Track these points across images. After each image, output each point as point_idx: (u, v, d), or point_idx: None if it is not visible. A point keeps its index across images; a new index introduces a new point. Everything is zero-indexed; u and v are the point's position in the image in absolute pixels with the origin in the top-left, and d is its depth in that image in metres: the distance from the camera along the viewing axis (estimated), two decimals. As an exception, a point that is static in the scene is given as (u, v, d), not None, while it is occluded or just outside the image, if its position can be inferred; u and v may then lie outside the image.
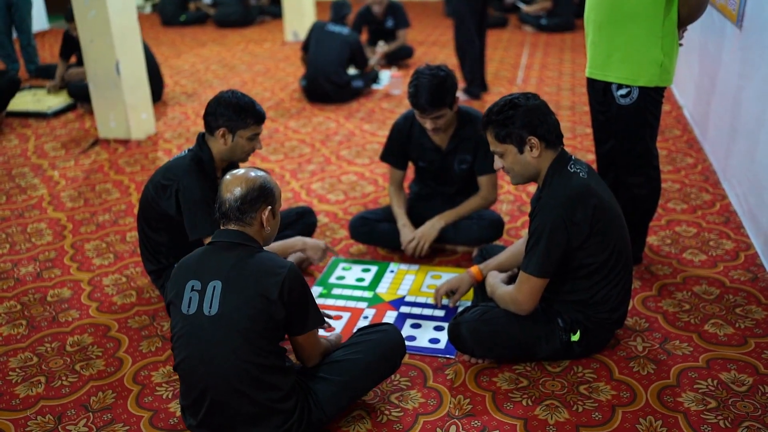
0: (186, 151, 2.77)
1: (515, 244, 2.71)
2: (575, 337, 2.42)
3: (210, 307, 1.97)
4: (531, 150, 2.33)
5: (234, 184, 2.05)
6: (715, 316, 2.71)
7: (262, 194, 2.06)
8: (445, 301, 2.83)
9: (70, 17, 5.52)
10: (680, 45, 2.88)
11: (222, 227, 2.08)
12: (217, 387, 1.98)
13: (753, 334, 2.59)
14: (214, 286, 1.98)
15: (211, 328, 1.97)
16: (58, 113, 5.71)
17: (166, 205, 2.69)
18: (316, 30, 5.88)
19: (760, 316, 2.69)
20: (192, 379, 2.02)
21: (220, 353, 1.96)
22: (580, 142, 4.68)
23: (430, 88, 2.96)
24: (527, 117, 2.29)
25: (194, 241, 2.65)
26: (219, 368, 1.96)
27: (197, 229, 2.64)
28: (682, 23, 2.76)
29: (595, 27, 2.85)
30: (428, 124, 3.05)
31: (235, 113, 2.65)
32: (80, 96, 5.58)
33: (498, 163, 2.43)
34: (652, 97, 2.81)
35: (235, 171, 2.10)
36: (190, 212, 2.64)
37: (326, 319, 2.43)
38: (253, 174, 2.08)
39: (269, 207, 2.08)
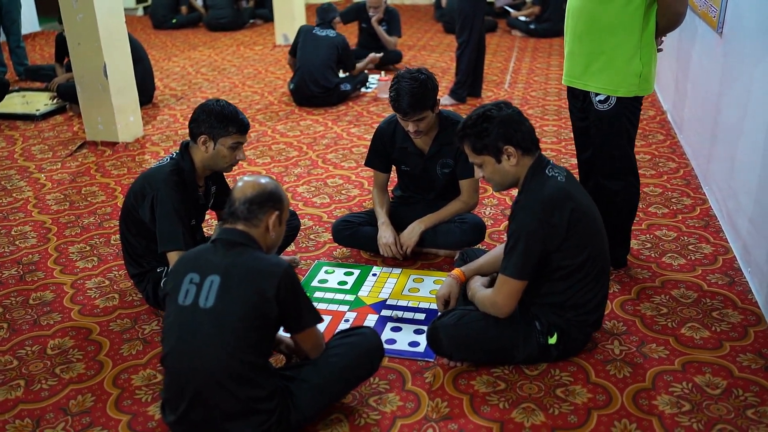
0: (167, 158, 2.79)
1: (497, 248, 2.73)
2: (552, 340, 2.44)
3: (206, 300, 2.01)
4: (509, 159, 2.35)
5: (247, 186, 2.13)
6: (692, 319, 2.74)
7: (272, 198, 2.13)
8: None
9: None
10: (659, 50, 2.91)
11: (229, 226, 2.13)
12: (202, 380, 2.00)
13: (728, 338, 2.61)
14: (212, 281, 2.02)
15: (204, 320, 2.00)
16: (46, 116, 5.71)
17: (142, 213, 2.71)
18: (303, 34, 5.90)
19: (736, 319, 2.72)
20: (178, 370, 2.04)
21: (209, 346, 1.99)
22: (564, 146, 4.72)
23: (411, 92, 2.99)
24: (502, 127, 2.33)
25: (153, 249, 2.68)
26: (206, 361, 1.99)
27: (167, 242, 2.66)
28: (661, 33, 2.79)
29: (574, 36, 2.87)
30: (410, 127, 3.08)
31: (217, 121, 2.67)
32: (69, 97, 5.57)
33: (478, 173, 2.46)
34: (632, 104, 2.83)
35: (247, 176, 2.18)
36: (163, 225, 2.67)
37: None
38: (264, 180, 2.16)
39: (277, 212, 2.14)
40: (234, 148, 2.73)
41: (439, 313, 2.72)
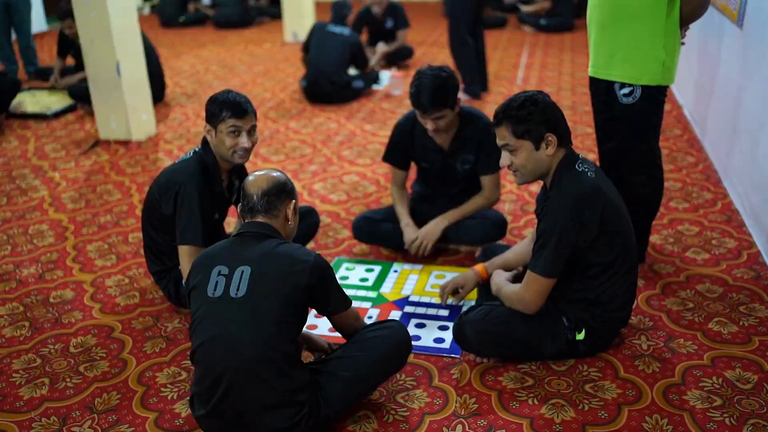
0: (192, 153, 2.77)
1: (520, 243, 2.72)
2: (580, 336, 2.42)
3: (237, 290, 2.01)
4: (546, 147, 2.33)
5: (260, 179, 2.17)
6: (719, 314, 2.71)
7: (285, 189, 2.18)
8: (450, 300, 2.82)
9: (62, 16, 5.58)
10: (683, 44, 2.88)
11: (250, 220, 2.15)
12: (237, 370, 1.99)
13: (757, 332, 2.59)
14: (242, 271, 2.03)
15: (237, 309, 2.00)
16: (58, 114, 5.70)
17: (165, 206, 2.69)
18: (317, 31, 5.88)
19: (764, 314, 2.69)
20: (210, 361, 2.03)
21: (244, 335, 1.98)
22: (581, 141, 4.69)
23: (432, 89, 2.96)
24: (547, 114, 2.31)
25: (176, 246, 2.69)
26: (241, 350, 1.98)
27: (186, 236, 2.65)
28: (684, 22, 2.76)
29: (598, 27, 2.85)
30: (429, 125, 3.05)
31: (212, 108, 2.68)
32: (80, 97, 5.57)
33: (506, 160, 2.39)
34: (655, 96, 2.81)
35: (257, 171, 2.21)
36: (184, 218, 2.66)
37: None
38: (274, 173, 2.21)
39: (293, 201, 2.19)
40: (233, 132, 2.66)
41: (438, 300, 2.74)
